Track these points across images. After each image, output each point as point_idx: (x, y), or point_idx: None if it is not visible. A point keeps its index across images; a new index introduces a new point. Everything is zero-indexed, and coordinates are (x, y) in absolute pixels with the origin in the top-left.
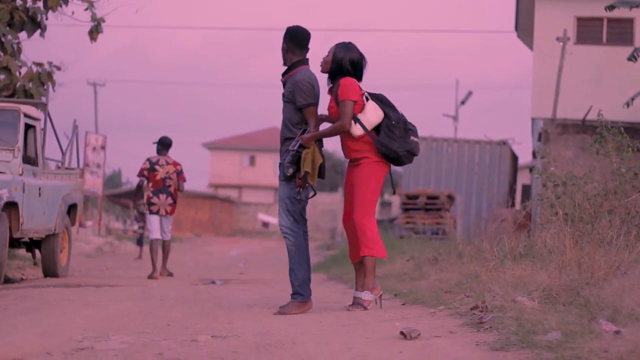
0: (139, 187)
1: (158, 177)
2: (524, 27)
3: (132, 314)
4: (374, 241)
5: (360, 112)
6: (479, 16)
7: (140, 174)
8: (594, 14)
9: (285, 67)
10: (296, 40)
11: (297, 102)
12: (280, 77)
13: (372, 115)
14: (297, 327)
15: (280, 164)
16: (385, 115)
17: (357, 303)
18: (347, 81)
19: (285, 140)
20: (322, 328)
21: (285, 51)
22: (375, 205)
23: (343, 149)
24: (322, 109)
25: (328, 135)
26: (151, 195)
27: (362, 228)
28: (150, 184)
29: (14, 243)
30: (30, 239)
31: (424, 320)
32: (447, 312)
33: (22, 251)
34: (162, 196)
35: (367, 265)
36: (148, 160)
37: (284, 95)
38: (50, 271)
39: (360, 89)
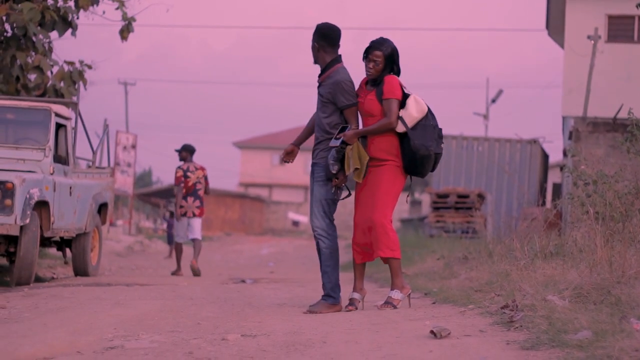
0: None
1: (190, 183)
2: (555, 26)
3: (162, 313)
4: (395, 243)
5: (402, 109)
6: (510, 15)
7: (179, 182)
8: (625, 12)
9: (316, 65)
10: (328, 38)
11: (340, 102)
12: (317, 78)
13: (414, 110)
14: (327, 326)
15: (314, 164)
16: (426, 115)
17: (388, 302)
18: (392, 79)
19: (320, 142)
20: (352, 327)
21: (317, 50)
22: (394, 209)
23: (366, 145)
24: None
25: (373, 132)
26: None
27: (384, 230)
28: (183, 189)
29: (45, 242)
30: (61, 237)
31: (454, 319)
32: (477, 311)
33: (52, 250)
34: (190, 199)
35: (394, 267)
36: (180, 168)
37: (322, 95)
38: (80, 270)
39: (402, 88)
